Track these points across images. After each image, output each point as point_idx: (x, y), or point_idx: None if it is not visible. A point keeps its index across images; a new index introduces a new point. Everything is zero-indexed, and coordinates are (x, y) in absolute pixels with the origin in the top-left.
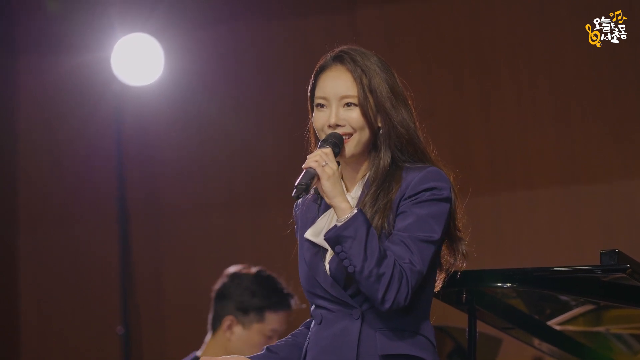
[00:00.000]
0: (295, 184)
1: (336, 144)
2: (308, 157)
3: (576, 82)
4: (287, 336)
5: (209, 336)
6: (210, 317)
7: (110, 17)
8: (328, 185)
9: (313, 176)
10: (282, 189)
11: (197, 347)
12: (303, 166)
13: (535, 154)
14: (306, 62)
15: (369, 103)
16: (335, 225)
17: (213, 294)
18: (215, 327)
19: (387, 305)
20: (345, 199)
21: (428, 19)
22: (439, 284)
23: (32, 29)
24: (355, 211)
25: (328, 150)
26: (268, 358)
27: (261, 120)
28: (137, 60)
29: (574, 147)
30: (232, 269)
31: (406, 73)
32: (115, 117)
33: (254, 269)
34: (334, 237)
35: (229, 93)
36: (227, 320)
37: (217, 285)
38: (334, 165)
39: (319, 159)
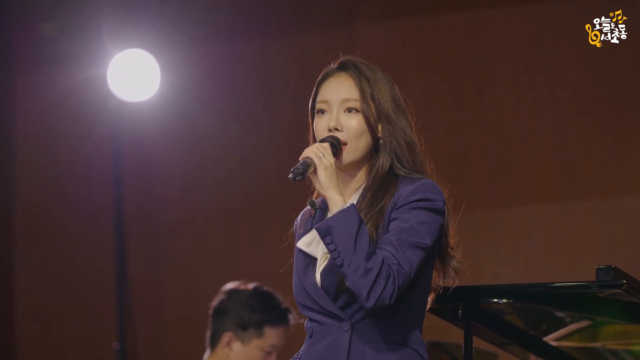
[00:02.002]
0: (292, 168)
1: (334, 144)
2: (305, 149)
3: (577, 98)
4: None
5: (207, 353)
6: (208, 334)
7: (106, 33)
8: (324, 176)
9: (310, 165)
10: (281, 204)
11: None
12: (300, 157)
13: (534, 169)
14: (305, 77)
15: (371, 110)
16: (327, 217)
17: (211, 311)
18: (213, 344)
19: (372, 302)
20: (339, 192)
21: (426, 33)
22: (427, 305)
23: (29, 46)
24: (348, 204)
25: (326, 144)
26: None
27: (259, 135)
28: (134, 76)
29: (573, 162)
30: (230, 285)
31: (404, 88)
32: (112, 133)
33: (251, 285)
34: (325, 227)
35: (226, 108)
36: (226, 337)
37: (215, 302)
38: (331, 158)
39: (317, 151)
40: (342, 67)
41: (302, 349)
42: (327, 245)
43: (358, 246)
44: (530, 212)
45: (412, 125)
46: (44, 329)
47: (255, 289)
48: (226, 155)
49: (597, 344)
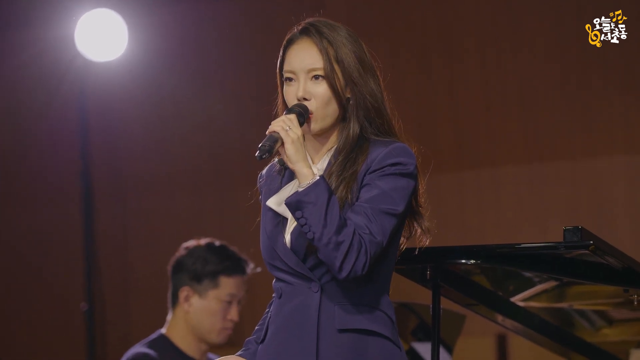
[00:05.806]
0: (259, 145)
1: (301, 113)
2: (272, 122)
3: (543, 61)
4: (259, 323)
5: (169, 315)
6: (169, 294)
7: None
8: (291, 150)
9: (276, 140)
10: (247, 165)
11: (163, 325)
12: (267, 132)
13: (500, 132)
14: (271, 38)
15: (336, 74)
16: (297, 191)
17: (169, 272)
18: (174, 303)
19: (344, 274)
20: (307, 165)
21: None
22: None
23: None
24: (318, 177)
25: (292, 116)
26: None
27: (226, 96)
28: (101, 36)
29: (538, 124)
30: (185, 244)
31: (371, 51)
32: (79, 93)
33: (204, 241)
34: (295, 202)
35: (194, 69)
36: (184, 292)
37: (171, 262)
38: (297, 130)
39: (283, 124)
40: (305, 32)
41: (271, 309)
42: (297, 219)
43: (329, 220)
44: (496, 174)
45: (381, 81)
46: (10, 288)
47: (208, 243)
48: (192, 115)
49: (564, 304)
